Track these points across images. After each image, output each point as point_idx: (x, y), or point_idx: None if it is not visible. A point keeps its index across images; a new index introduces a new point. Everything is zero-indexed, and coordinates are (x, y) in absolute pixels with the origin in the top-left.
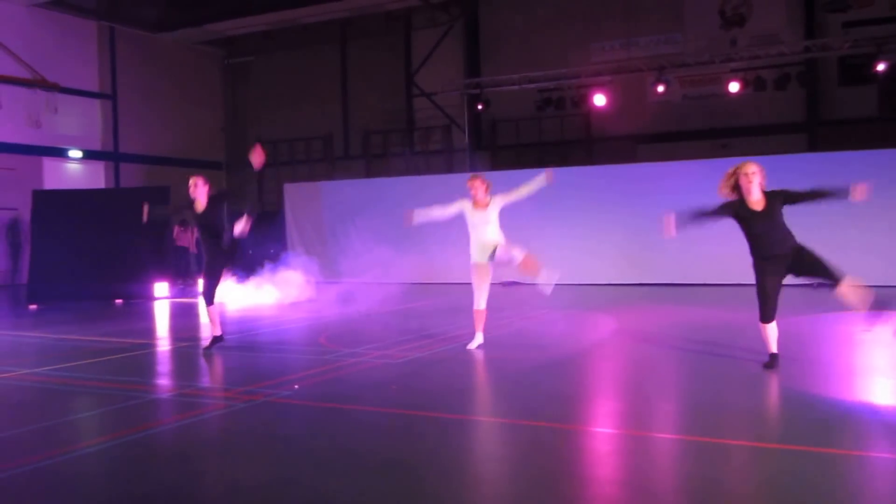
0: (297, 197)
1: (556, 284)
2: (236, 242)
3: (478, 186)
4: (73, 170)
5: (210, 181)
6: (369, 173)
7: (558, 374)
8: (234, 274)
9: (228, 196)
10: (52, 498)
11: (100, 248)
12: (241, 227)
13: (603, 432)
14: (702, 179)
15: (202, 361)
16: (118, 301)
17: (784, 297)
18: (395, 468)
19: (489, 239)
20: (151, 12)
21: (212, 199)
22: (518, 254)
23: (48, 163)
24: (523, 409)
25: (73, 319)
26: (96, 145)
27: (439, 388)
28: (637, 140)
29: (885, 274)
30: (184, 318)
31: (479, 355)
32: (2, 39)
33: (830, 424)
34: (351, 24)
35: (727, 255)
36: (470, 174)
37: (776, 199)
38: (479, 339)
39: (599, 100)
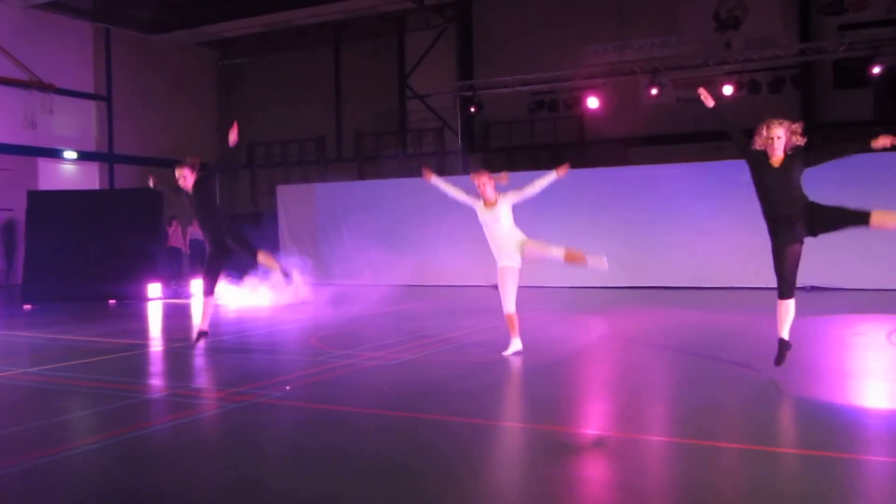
0: (290, 199)
1: (550, 287)
2: (237, 226)
3: (484, 182)
4: (68, 171)
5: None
6: (362, 175)
7: (550, 376)
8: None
9: (212, 169)
10: (45, 497)
11: (94, 249)
12: (232, 135)
13: (594, 434)
14: (695, 182)
15: (195, 362)
16: (111, 301)
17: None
18: (387, 469)
19: (504, 239)
20: (147, 14)
21: (198, 181)
22: (557, 251)
23: (43, 163)
24: (515, 412)
25: (66, 319)
26: (91, 146)
27: (431, 391)
28: (630, 143)
29: (882, 278)
30: (177, 319)
31: (472, 358)
32: None
33: (823, 427)
34: (345, 27)
35: (719, 259)
36: (472, 172)
37: (796, 160)
38: (515, 345)
39: (593, 102)
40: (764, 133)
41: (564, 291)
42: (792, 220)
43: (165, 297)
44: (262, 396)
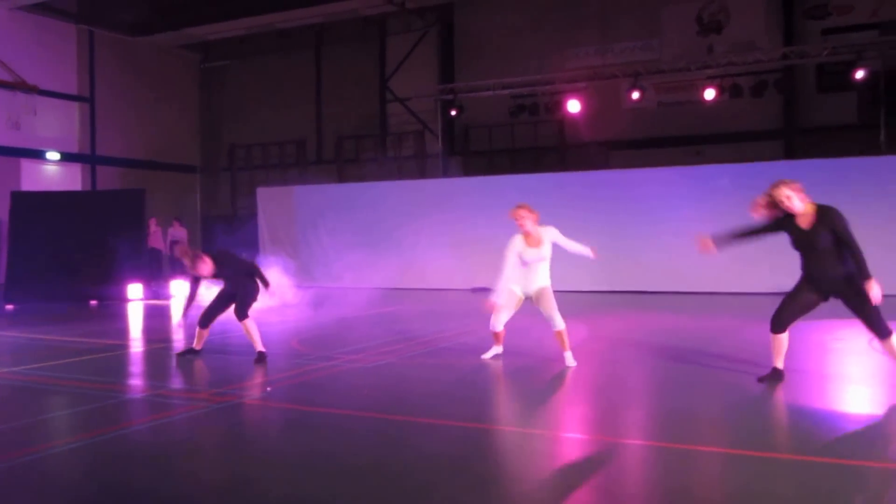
0: (270, 201)
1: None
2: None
3: (525, 216)
4: (51, 171)
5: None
6: (342, 178)
7: (532, 380)
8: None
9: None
10: (25, 495)
11: (76, 250)
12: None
13: (574, 438)
14: (676, 186)
15: (176, 363)
16: (93, 302)
17: (758, 306)
18: (367, 470)
19: (537, 274)
20: (130, 16)
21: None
22: (557, 320)
23: (26, 164)
24: (495, 414)
25: (48, 320)
26: (73, 147)
27: (412, 393)
28: (611, 146)
29: None
30: (157, 320)
31: (453, 361)
32: None
33: (804, 432)
34: (326, 30)
35: (699, 264)
36: (516, 205)
37: (824, 225)
38: (496, 350)
39: (574, 106)
40: (775, 198)
41: None
42: (825, 283)
43: (146, 298)
44: (244, 397)
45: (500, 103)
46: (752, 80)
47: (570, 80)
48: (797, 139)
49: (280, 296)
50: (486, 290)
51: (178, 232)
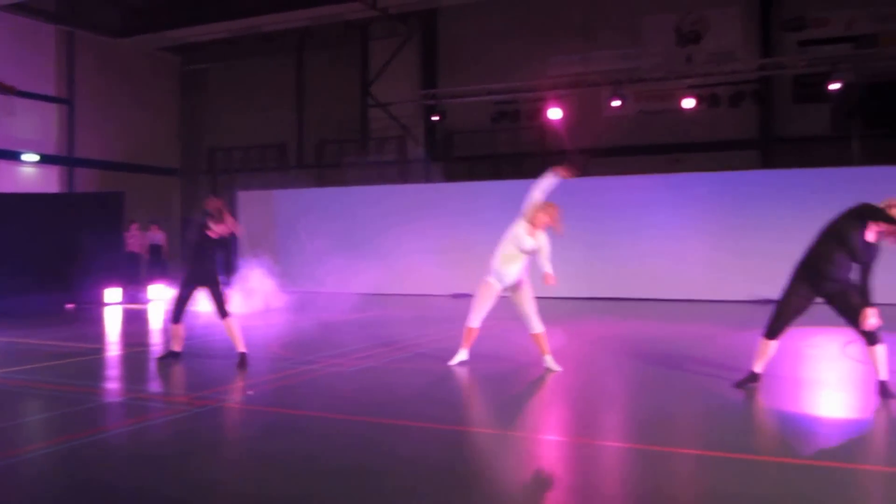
0: (251, 205)
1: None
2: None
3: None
4: (28, 173)
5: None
6: (323, 182)
7: (510, 383)
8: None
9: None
10: (4, 499)
11: (53, 252)
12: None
13: (552, 440)
14: (655, 193)
15: (156, 366)
16: (69, 305)
17: (738, 313)
18: (348, 472)
19: (516, 269)
20: (110, 18)
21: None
22: (536, 324)
23: (3, 166)
24: (475, 417)
25: (24, 323)
26: (52, 149)
27: (392, 396)
28: (591, 153)
29: None
30: (136, 324)
31: (434, 366)
32: None
33: (780, 435)
34: (308, 34)
35: (677, 271)
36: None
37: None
38: (461, 355)
39: (555, 113)
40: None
41: None
42: (819, 279)
43: (124, 302)
44: (225, 401)
45: (482, 109)
46: (729, 91)
47: (552, 87)
48: (773, 149)
49: (261, 299)
50: (466, 296)
51: (157, 235)
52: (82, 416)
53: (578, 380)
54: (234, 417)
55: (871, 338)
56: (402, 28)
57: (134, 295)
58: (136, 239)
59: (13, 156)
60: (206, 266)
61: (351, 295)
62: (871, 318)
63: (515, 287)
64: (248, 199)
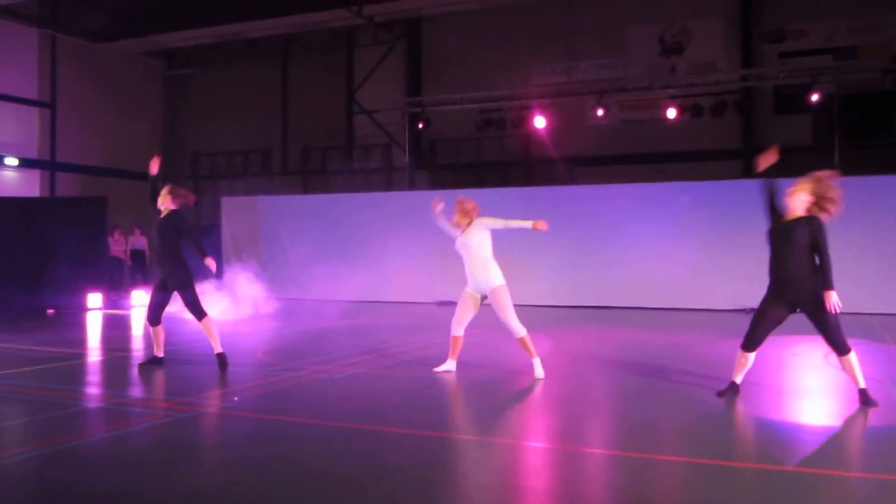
0: (235, 211)
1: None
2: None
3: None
4: (9, 177)
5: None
6: (307, 189)
7: (496, 391)
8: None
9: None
10: None
11: (34, 257)
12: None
13: (537, 447)
14: (638, 202)
15: (139, 372)
16: (50, 311)
17: (718, 323)
18: (333, 478)
19: (472, 265)
20: (94, 22)
21: (172, 214)
22: (517, 327)
23: None
24: (459, 424)
25: (4, 328)
26: (33, 153)
27: (378, 403)
28: (575, 162)
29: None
30: (118, 329)
31: (419, 373)
32: None
33: (763, 442)
34: (294, 40)
35: (662, 279)
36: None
37: (806, 223)
38: (449, 365)
39: (539, 122)
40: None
41: None
42: (787, 287)
43: (106, 308)
44: (210, 406)
45: (467, 117)
46: (712, 101)
47: (537, 96)
48: (755, 158)
49: (248, 306)
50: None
51: (139, 240)
52: (62, 421)
53: (563, 388)
54: (217, 423)
55: (840, 348)
56: (388, 36)
57: (117, 300)
58: (119, 244)
59: None
60: (175, 266)
61: (336, 302)
62: (832, 298)
63: (491, 294)
64: (232, 205)
